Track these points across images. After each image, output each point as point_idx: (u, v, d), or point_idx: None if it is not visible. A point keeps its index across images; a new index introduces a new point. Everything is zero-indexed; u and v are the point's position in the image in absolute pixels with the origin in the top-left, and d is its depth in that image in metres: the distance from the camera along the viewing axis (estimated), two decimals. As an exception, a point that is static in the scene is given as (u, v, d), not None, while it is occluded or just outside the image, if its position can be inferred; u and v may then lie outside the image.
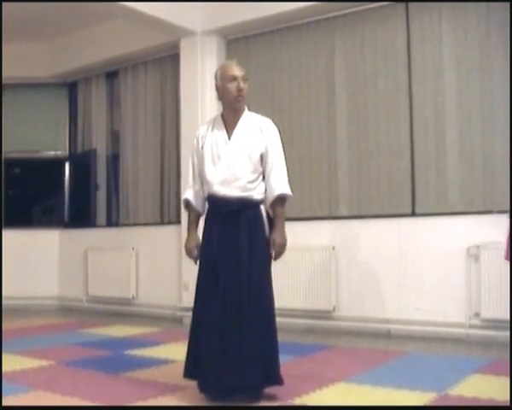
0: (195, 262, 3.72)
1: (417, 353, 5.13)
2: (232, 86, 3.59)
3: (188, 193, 3.80)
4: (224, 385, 3.42)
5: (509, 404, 3.29)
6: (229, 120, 3.67)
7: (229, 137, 3.62)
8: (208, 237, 3.62)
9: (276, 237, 3.58)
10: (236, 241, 3.51)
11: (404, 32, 6.22)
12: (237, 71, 3.63)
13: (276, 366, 3.51)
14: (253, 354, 3.41)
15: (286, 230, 3.64)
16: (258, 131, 3.61)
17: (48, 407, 3.34)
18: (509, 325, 5.13)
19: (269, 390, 3.55)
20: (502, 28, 5.64)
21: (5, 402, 3.36)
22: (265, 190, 3.62)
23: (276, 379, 3.50)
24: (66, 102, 9.29)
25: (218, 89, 3.70)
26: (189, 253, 3.75)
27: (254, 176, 3.58)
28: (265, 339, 3.47)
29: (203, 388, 3.51)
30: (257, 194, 3.59)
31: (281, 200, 3.61)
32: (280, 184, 3.58)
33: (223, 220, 3.57)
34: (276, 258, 3.63)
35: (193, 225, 3.80)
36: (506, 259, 3.20)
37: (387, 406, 3.43)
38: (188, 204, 3.80)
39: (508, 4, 5.35)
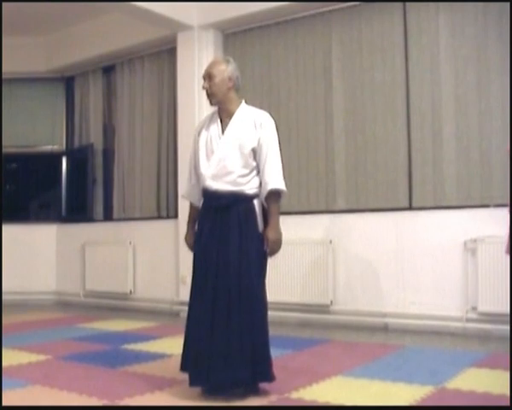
0: None
1: (414, 346, 5.14)
2: None
3: (184, 189, 3.86)
4: (212, 380, 3.42)
5: (505, 397, 3.30)
6: (223, 114, 3.67)
7: (223, 132, 3.62)
8: (200, 232, 3.63)
9: (269, 234, 3.54)
10: (227, 235, 3.50)
11: (401, 25, 6.21)
12: (204, 71, 3.69)
13: (266, 361, 3.48)
14: (242, 349, 3.39)
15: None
16: (252, 126, 3.59)
17: (48, 407, 3.32)
18: (505, 318, 5.16)
19: (265, 384, 3.54)
20: (499, 22, 5.64)
21: (3, 397, 3.35)
22: (260, 184, 3.60)
23: (267, 375, 3.47)
24: (63, 96, 9.28)
25: None
26: (190, 248, 3.77)
27: (246, 171, 3.55)
28: (255, 335, 3.44)
29: (192, 382, 3.51)
30: (249, 189, 3.56)
31: (274, 195, 3.56)
32: (273, 178, 3.54)
33: (214, 215, 3.56)
34: (270, 255, 3.59)
35: (191, 220, 3.83)
36: (507, 253, 3.19)
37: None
38: (191, 203, 3.86)
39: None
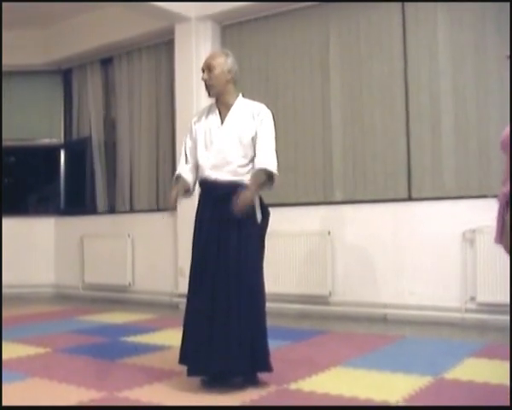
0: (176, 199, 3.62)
1: (413, 337, 5.15)
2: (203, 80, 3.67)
3: (179, 168, 3.78)
4: (211, 370, 3.44)
5: (504, 387, 3.30)
6: (222, 106, 3.69)
7: (222, 123, 3.64)
8: (199, 223, 3.63)
9: (241, 194, 3.40)
10: (226, 227, 3.50)
11: (400, 16, 6.19)
12: (204, 63, 3.66)
13: (264, 352, 3.49)
14: (241, 340, 3.41)
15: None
16: (250, 117, 3.61)
17: (48, 407, 3.31)
18: (503, 308, 5.16)
19: (264, 375, 3.55)
20: (497, 13, 5.62)
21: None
22: None
23: (265, 366, 3.49)
24: (61, 89, 9.26)
25: None
26: (169, 203, 3.65)
27: (245, 161, 3.58)
28: (253, 326, 3.46)
29: (191, 372, 3.51)
30: (248, 179, 3.56)
31: (263, 173, 3.53)
32: (264, 159, 3.52)
33: (213, 205, 3.57)
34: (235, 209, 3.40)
35: (175, 185, 3.72)
36: (496, 242, 3.19)
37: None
38: (178, 178, 3.74)
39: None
